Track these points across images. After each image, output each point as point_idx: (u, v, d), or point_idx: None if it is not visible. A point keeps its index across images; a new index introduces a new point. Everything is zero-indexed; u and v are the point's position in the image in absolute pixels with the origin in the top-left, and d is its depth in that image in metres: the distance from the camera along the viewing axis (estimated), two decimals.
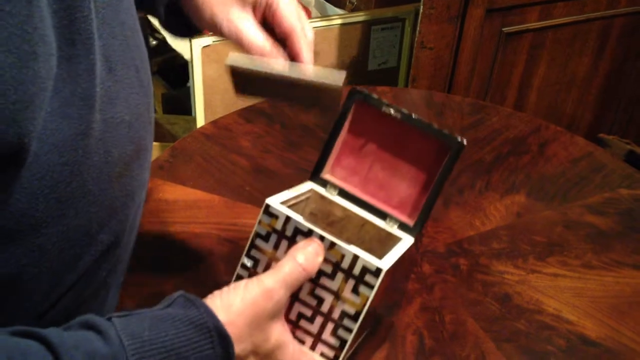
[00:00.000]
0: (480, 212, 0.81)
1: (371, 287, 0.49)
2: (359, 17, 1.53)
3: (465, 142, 0.54)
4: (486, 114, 1.01)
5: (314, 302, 0.50)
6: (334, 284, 0.49)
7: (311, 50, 0.54)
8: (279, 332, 0.47)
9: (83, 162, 0.43)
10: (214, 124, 0.95)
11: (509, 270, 0.73)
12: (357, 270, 0.49)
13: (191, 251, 0.73)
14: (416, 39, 1.30)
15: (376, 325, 0.65)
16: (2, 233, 0.40)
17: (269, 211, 0.50)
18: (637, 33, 1.51)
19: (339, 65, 1.54)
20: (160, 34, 1.87)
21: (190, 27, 0.60)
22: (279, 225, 0.50)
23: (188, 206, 0.79)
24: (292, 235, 0.50)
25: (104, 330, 0.39)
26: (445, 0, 1.26)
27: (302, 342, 0.51)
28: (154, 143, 1.82)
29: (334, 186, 0.59)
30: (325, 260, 0.49)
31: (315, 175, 0.59)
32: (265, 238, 0.51)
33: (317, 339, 0.51)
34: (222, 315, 0.43)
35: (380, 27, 1.56)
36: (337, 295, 0.50)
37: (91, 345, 0.38)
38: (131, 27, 0.49)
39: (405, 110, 0.55)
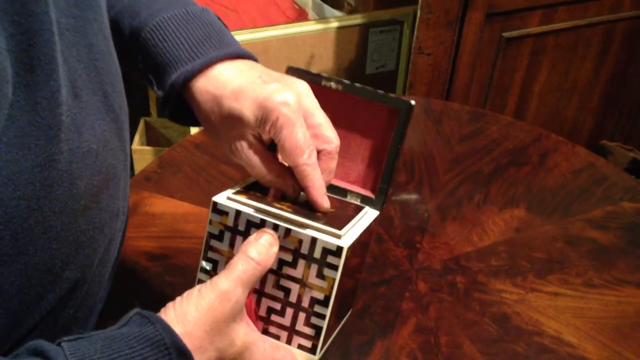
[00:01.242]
0: (478, 226, 0.78)
1: (335, 268, 0.46)
2: (357, 19, 1.50)
3: (414, 102, 0.52)
4: (485, 122, 0.98)
5: (281, 294, 0.48)
6: (297, 272, 0.47)
7: (323, 181, 0.50)
8: (244, 332, 0.44)
9: (43, 195, 0.39)
10: (203, 132, 0.92)
11: (507, 288, 0.70)
12: (317, 254, 0.46)
13: (178, 267, 0.70)
14: (413, 44, 1.27)
15: (369, 346, 0.62)
16: None
17: (217, 209, 0.48)
18: None
19: (335, 69, 1.51)
20: None
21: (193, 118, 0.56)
22: (230, 221, 0.48)
23: (175, 220, 0.76)
24: (245, 230, 0.47)
25: (52, 356, 0.37)
26: (444, 5, 1.23)
27: (277, 337, 0.49)
28: (147, 148, 1.80)
29: None
30: (284, 248, 0.47)
31: None
32: (219, 237, 0.48)
33: (292, 331, 0.49)
34: (178, 328, 0.41)
35: (379, 30, 1.53)
36: (302, 283, 0.47)
37: None
38: (101, 50, 0.46)
39: (346, 81, 0.53)
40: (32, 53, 0.38)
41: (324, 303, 0.47)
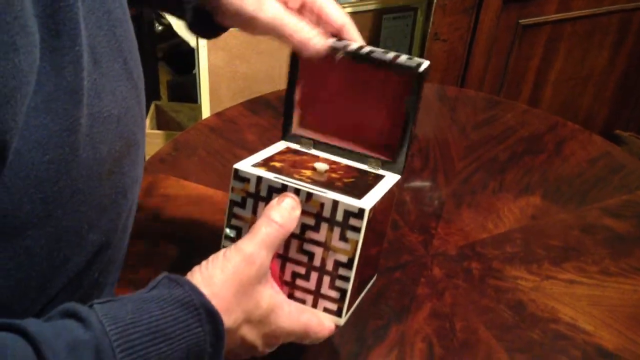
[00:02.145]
0: (494, 213, 0.78)
1: (358, 230, 0.46)
2: (370, 5, 1.49)
3: (424, 68, 0.53)
4: (501, 110, 0.97)
5: (304, 259, 0.48)
6: (320, 236, 0.47)
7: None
8: (269, 295, 0.45)
9: (70, 159, 0.40)
10: (218, 116, 0.92)
11: (523, 275, 0.70)
12: (339, 216, 0.46)
13: (192, 248, 0.71)
14: (429, 30, 1.26)
15: (385, 331, 0.62)
16: None
17: (239, 176, 0.48)
18: None
19: None
20: (165, 19, 1.84)
21: (214, 26, 0.58)
22: (252, 188, 0.48)
23: (190, 202, 0.77)
24: (267, 195, 0.48)
25: (85, 317, 0.38)
26: None
27: (303, 301, 0.49)
28: (158, 131, 1.80)
29: (308, 139, 0.57)
30: (306, 212, 0.47)
31: (286, 134, 0.58)
32: (242, 204, 0.49)
33: (317, 294, 0.49)
34: (206, 290, 0.42)
35: (392, 16, 1.52)
36: (326, 247, 0.48)
37: (72, 333, 0.37)
38: (118, 17, 0.47)
39: (353, 49, 0.54)
40: (57, 18, 0.38)
41: (348, 266, 0.47)
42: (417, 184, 0.83)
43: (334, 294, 0.48)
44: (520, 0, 1.29)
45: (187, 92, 1.79)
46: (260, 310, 0.45)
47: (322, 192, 0.47)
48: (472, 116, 0.95)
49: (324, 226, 0.47)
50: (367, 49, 0.54)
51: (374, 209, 0.47)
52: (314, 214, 0.47)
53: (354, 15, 1.45)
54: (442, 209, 0.78)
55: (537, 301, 0.67)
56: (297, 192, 0.47)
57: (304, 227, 0.48)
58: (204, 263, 0.44)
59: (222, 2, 0.55)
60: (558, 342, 0.63)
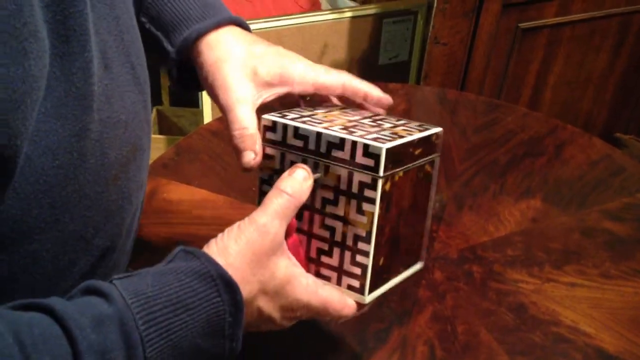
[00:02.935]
0: (494, 216, 0.78)
1: (373, 201, 0.46)
2: (370, 9, 1.50)
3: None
4: (501, 113, 0.98)
5: (327, 234, 0.49)
6: (339, 210, 0.48)
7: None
8: (285, 266, 0.45)
9: (78, 164, 0.41)
10: (220, 120, 0.92)
11: (524, 278, 0.70)
12: (355, 188, 0.47)
13: None
14: (429, 34, 1.27)
15: (386, 334, 0.63)
16: None
17: (266, 154, 0.50)
18: None
19: (348, 59, 1.51)
20: None
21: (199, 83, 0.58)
22: (277, 164, 0.50)
23: (193, 206, 0.77)
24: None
25: (107, 292, 0.38)
26: None
27: (328, 279, 0.50)
28: (160, 136, 1.81)
29: None
30: (326, 187, 0.48)
31: None
32: (269, 182, 0.50)
33: (340, 271, 0.49)
34: (221, 260, 0.42)
35: (392, 20, 1.53)
36: (345, 221, 0.48)
37: (96, 308, 0.37)
38: (126, 23, 0.47)
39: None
40: (67, 24, 0.39)
41: (366, 239, 0.47)
42: None
43: (356, 270, 0.48)
44: (520, 4, 1.30)
45: (189, 96, 1.79)
46: (276, 281, 0.45)
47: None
48: (473, 119, 0.96)
49: (342, 199, 0.47)
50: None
51: (389, 178, 0.46)
52: (332, 187, 0.48)
53: (354, 19, 1.46)
54: (443, 211, 0.79)
55: (538, 304, 0.67)
56: (316, 165, 0.48)
57: (324, 201, 0.48)
58: (219, 235, 0.45)
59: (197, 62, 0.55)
60: (559, 345, 0.63)
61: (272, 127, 0.50)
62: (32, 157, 0.37)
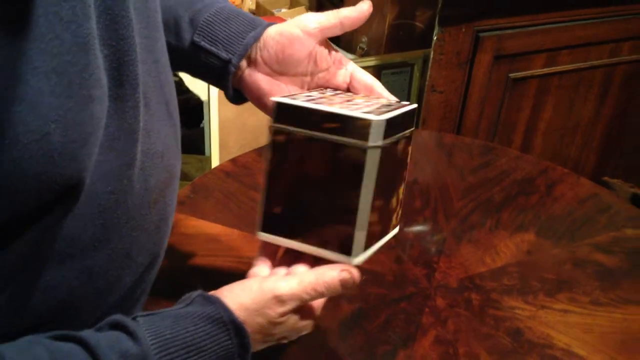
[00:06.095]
0: (491, 249, 0.84)
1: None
2: (370, 61, 1.58)
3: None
4: (495, 155, 1.04)
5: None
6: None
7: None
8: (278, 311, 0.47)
9: (127, 190, 0.46)
10: (232, 162, 0.98)
11: (519, 305, 0.75)
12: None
13: (211, 282, 0.75)
14: (427, 82, 1.35)
15: (392, 355, 0.67)
16: (55, 256, 0.43)
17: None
18: (638, 80, 1.56)
19: None
20: (176, 75, 1.93)
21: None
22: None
23: (209, 239, 0.82)
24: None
25: (133, 330, 0.42)
26: (455, 47, 1.31)
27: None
28: None
29: None
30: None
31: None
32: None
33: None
34: (233, 305, 0.45)
35: (390, 72, 1.61)
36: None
37: (123, 345, 0.41)
38: (163, 64, 0.53)
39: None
40: (121, 70, 0.45)
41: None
42: (420, 222, 0.89)
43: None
44: (510, 56, 1.38)
45: (195, 144, 1.86)
46: (274, 330, 0.48)
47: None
48: (469, 161, 1.02)
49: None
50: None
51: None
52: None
53: None
54: (443, 245, 0.84)
55: (534, 329, 0.72)
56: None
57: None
58: (234, 286, 0.48)
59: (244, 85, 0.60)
60: None
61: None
62: (89, 183, 0.43)
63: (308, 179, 0.49)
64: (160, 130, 0.52)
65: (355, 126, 0.46)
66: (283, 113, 0.49)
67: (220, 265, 0.78)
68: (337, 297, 0.74)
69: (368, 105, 0.52)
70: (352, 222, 0.47)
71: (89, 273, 0.45)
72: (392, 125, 0.49)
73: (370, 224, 0.49)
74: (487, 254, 0.83)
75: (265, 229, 0.52)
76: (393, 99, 0.58)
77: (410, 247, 0.84)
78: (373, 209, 0.48)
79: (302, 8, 2.00)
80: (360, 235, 0.48)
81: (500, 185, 0.96)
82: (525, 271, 0.80)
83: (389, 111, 0.49)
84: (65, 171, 0.39)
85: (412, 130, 0.55)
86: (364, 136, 0.46)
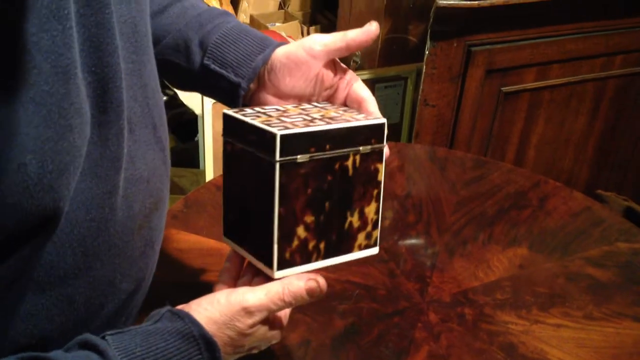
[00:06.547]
0: (484, 263, 0.84)
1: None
2: (363, 75, 1.59)
3: None
4: (487, 169, 1.04)
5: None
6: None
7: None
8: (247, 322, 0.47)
9: (109, 218, 0.46)
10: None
11: (513, 320, 0.75)
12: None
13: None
14: (419, 97, 1.36)
15: None
16: (33, 284, 0.42)
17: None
18: (629, 94, 1.57)
19: None
20: (171, 90, 1.93)
21: None
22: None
23: (202, 254, 0.82)
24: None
25: (103, 349, 0.42)
26: (447, 61, 1.32)
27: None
28: None
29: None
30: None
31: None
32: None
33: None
34: (202, 319, 0.45)
35: (384, 85, 1.62)
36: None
37: None
38: (152, 88, 0.53)
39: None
40: (105, 97, 0.44)
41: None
42: (412, 236, 0.89)
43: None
44: (502, 70, 1.39)
45: (190, 158, 1.86)
46: (244, 341, 0.48)
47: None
48: (462, 175, 1.02)
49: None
50: None
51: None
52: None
53: None
54: (436, 259, 0.84)
55: (527, 343, 0.72)
56: None
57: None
58: (203, 300, 0.48)
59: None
60: None
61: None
62: (68, 212, 0.42)
63: (247, 188, 0.51)
64: (146, 155, 0.51)
65: (266, 139, 0.47)
66: (226, 125, 0.52)
67: (213, 279, 0.78)
68: (329, 312, 0.73)
69: (319, 119, 0.51)
70: (271, 235, 0.48)
71: (69, 301, 0.45)
72: (308, 140, 0.48)
73: (300, 239, 0.49)
74: (480, 268, 0.83)
75: (225, 234, 0.55)
76: (377, 114, 0.57)
77: (403, 261, 0.84)
78: (300, 224, 0.48)
79: (296, 22, 2.01)
80: (278, 249, 0.48)
81: (493, 199, 0.97)
82: (518, 285, 0.80)
83: (324, 125, 0.49)
84: (41, 202, 0.38)
85: (376, 147, 0.53)
86: (272, 149, 0.47)
